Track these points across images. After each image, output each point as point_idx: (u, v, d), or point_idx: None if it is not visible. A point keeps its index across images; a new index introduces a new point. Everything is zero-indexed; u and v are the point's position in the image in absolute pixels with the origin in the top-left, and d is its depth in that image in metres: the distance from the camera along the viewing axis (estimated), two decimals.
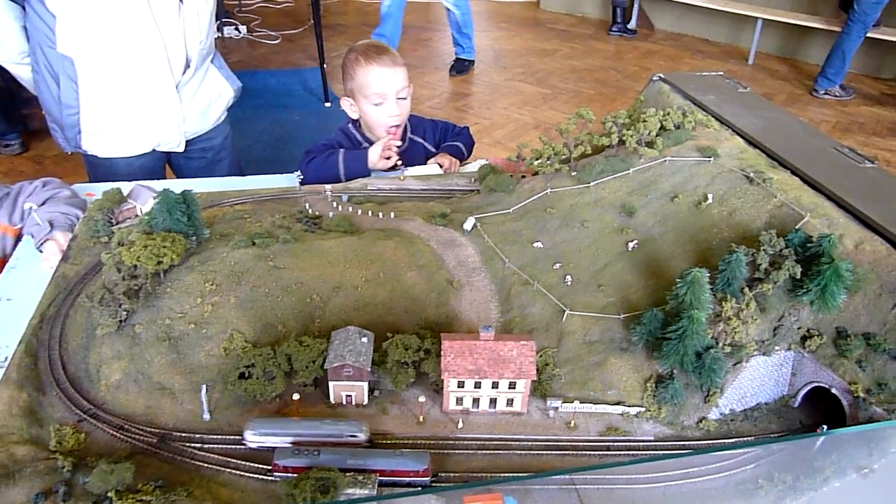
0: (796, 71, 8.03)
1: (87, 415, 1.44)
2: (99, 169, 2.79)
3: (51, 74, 2.61)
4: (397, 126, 2.67)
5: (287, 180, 2.51)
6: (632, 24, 9.33)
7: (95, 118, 2.67)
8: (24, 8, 2.49)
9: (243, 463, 1.35)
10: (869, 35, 6.86)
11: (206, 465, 1.35)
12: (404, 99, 2.64)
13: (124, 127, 2.71)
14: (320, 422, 1.39)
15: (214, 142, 3.11)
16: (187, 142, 2.94)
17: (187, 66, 2.74)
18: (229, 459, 1.36)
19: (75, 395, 1.48)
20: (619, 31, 8.97)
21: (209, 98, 2.91)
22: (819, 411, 1.56)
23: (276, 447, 1.33)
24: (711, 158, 1.86)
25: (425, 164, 2.69)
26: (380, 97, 2.59)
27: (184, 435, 1.41)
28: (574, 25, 9.82)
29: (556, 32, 9.46)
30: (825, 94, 7.17)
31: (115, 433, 1.41)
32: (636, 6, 9.34)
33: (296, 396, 1.45)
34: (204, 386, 1.43)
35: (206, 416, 1.44)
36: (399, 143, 2.59)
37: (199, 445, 1.39)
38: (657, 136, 1.93)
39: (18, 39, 2.57)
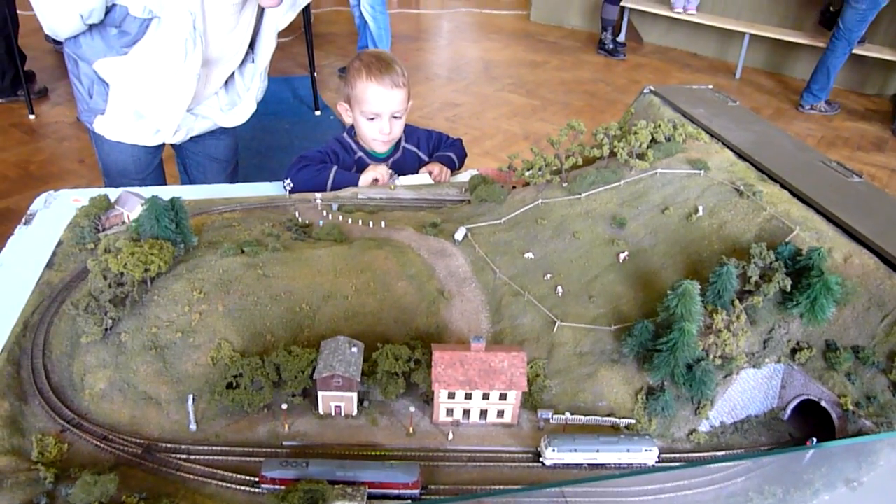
0: (782, 86, 8.13)
1: (70, 424, 1.42)
2: (103, 144, 2.81)
3: (82, 83, 2.65)
4: (386, 142, 2.67)
5: (276, 188, 2.49)
6: (621, 38, 9.39)
7: (116, 117, 2.70)
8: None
9: (230, 475, 1.33)
10: (853, 51, 6.96)
11: (192, 476, 1.33)
12: (399, 118, 2.64)
13: (141, 125, 2.72)
14: (617, 438, 1.41)
15: (229, 142, 3.15)
16: (207, 134, 2.97)
17: (231, 76, 2.82)
18: (216, 471, 1.33)
19: (58, 404, 1.46)
20: (606, 52, 8.98)
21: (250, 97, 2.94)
22: (808, 424, 1.56)
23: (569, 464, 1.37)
24: (702, 171, 1.87)
25: (418, 172, 2.68)
26: (374, 114, 2.59)
27: (169, 446, 1.39)
28: (563, 38, 9.89)
29: (546, 44, 9.53)
30: (811, 108, 7.26)
31: (99, 444, 1.38)
32: (625, 20, 9.42)
33: (284, 406, 1.43)
34: (190, 396, 1.41)
35: (193, 427, 1.42)
36: (392, 174, 2.58)
37: (185, 457, 1.37)
38: (648, 148, 1.93)
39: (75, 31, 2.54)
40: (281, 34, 2.88)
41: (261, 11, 2.70)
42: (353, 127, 2.74)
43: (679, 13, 8.49)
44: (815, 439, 1.44)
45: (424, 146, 2.81)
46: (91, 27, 2.45)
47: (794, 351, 1.53)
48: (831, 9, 7.11)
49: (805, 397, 1.52)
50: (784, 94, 7.82)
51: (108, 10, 2.36)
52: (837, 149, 6.50)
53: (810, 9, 7.76)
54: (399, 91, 2.59)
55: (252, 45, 2.80)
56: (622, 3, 8.82)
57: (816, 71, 7.10)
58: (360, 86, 2.60)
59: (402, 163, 2.74)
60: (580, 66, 8.67)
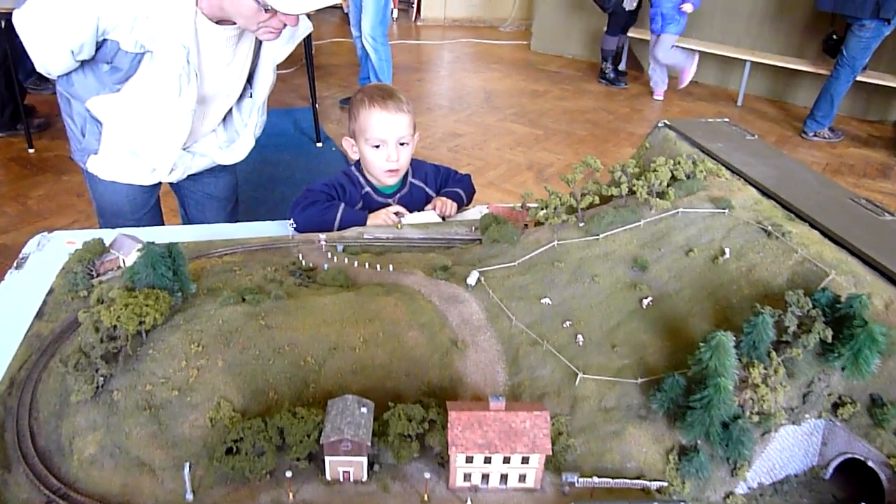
0: (785, 113, 8.12)
1: (56, 495, 1.30)
2: (97, 185, 2.74)
3: (74, 122, 2.58)
4: (395, 171, 2.59)
5: (278, 227, 2.41)
6: (622, 66, 9.41)
7: (110, 156, 2.62)
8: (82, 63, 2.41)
9: None
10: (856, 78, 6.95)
11: None
12: (406, 145, 2.57)
13: (136, 164, 2.64)
14: None
15: (229, 179, 3.08)
16: (205, 171, 2.90)
17: (229, 112, 2.76)
18: None
19: (44, 471, 1.35)
20: (607, 82, 9.01)
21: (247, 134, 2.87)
22: (851, 484, 1.45)
23: None
24: (726, 210, 1.78)
25: (424, 209, 2.61)
26: (379, 140, 2.52)
27: None
28: (564, 67, 9.92)
29: (547, 73, 9.55)
30: (814, 136, 7.23)
31: None
32: (625, 49, 9.44)
33: (288, 474, 1.32)
34: (187, 464, 1.30)
35: (189, 497, 1.31)
36: (400, 211, 2.50)
37: None
38: (668, 186, 1.85)
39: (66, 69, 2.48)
40: (282, 66, 2.82)
41: (258, 44, 2.64)
42: (359, 161, 2.67)
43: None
44: None
45: (432, 181, 2.74)
46: (82, 64, 2.38)
47: (835, 406, 1.43)
48: (835, 36, 7.12)
49: (849, 456, 1.42)
50: (787, 122, 7.80)
51: (99, 46, 2.29)
52: (843, 176, 6.45)
53: (812, 36, 7.77)
54: (403, 115, 2.53)
55: (250, 80, 2.73)
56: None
57: (820, 98, 7.08)
58: (363, 114, 2.54)
59: (410, 198, 2.66)
60: (582, 95, 8.67)
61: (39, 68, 2.40)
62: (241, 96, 2.74)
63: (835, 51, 7.05)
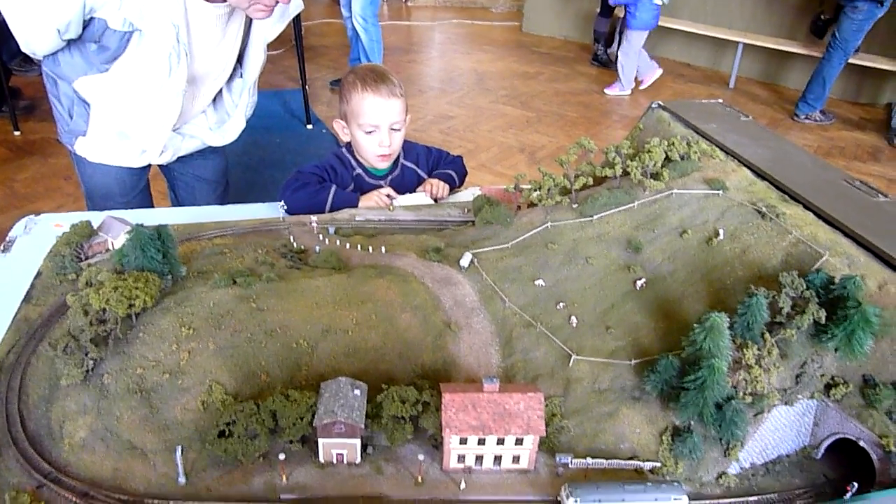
0: (777, 95, 8.10)
1: (47, 479, 1.29)
2: (85, 167, 2.69)
3: (61, 104, 2.53)
4: (387, 156, 2.56)
5: (269, 209, 2.38)
6: (613, 49, 9.36)
7: (98, 138, 2.57)
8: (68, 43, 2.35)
9: None
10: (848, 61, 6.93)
11: None
12: (398, 130, 2.54)
13: (125, 146, 2.60)
14: (644, 485, 1.30)
15: (219, 162, 3.04)
16: (195, 153, 2.85)
17: (219, 93, 2.71)
18: None
19: (35, 456, 1.33)
20: (599, 64, 8.97)
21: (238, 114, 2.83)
22: (842, 463, 1.46)
23: None
24: (720, 191, 1.78)
25: (416, 190, 2.58)
26: (372, 126, 2.49)
27: (156, 502, 1.27)
28: (557, 48, 9.85)
29: (539, 55, 9.48)
30: (806, 118, 7.22)
31: (79, 501, 1.26)
32: (618, 31, 9.38)
33: (282, 456, 1.31)
34: (179, 447, 1.29)
35: (182, 480, 1.30)
36: (392, 195, 2.47)
37: None
38: (662, 167, 1.84)
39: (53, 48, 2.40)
40: (271, 46, 2.78)
41: (248, 23, 2.59)
42: (350, 143, 2.64)
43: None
44: (855, 485, 1.33)
45: (424, 163, 2.71)
46: (69, 43, 2.33)
47: (828, 386, 1.43)
48: (822, 17, 7.10)
49: (841, 436, 1.42)
50: (779, 104, 7.80)
51: (87, 25, 2.24)
52: (834, 159, 6.46)
53: (804, 18, 7.74)
54: (396, 101, 2.50)
55: (240, 60, 2.68)
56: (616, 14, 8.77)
57: (812, 81, 7.07)
58: (355, 98, 2.50)
59: (401, 180, 2.64)
60: (574, 77, 8.62)
61: (24, 48, 2.35)
62: (232, 77, 2.70)
63: (823, 31, 7.03)
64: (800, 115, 7.23)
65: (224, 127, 2.79)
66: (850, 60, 6.97)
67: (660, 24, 8.71)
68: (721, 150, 1.99)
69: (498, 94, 7.78)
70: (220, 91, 2.72)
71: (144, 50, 2.30)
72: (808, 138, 6.92)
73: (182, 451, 1.29)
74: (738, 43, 8.17)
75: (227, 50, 2.56)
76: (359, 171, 2.60)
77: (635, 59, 7.76)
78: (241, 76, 2.71)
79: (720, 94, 7.99)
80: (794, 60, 8.06)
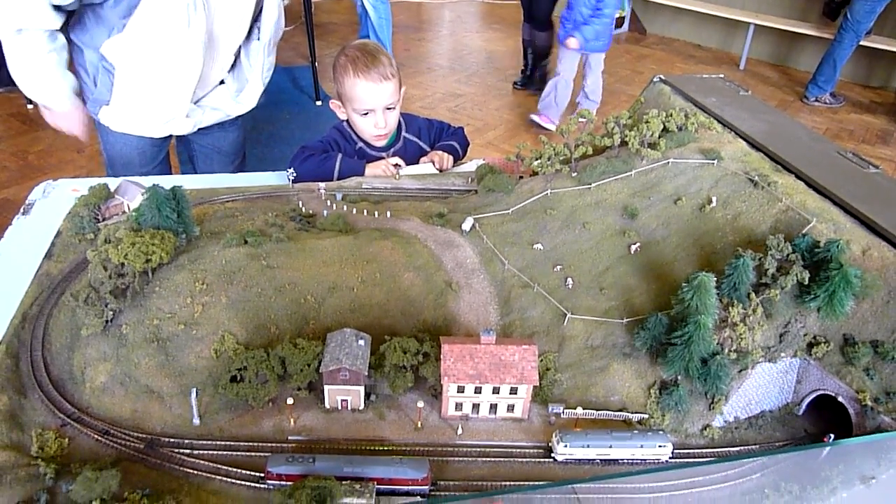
0: (787, 77, 8.07)
1: (70, 419, 1.38)
2: (108, 136, 2.77)
3: (87, 72, 2.59)
4: (384, 135, 2.62)
5: (278, 178, 2.45)
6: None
7: (121, 107, 2.64)
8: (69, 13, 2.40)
9: (234, 470, 1.30)
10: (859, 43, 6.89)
11: (195, 472, 1.30)
12: (392, 109, 2.59)
13: (146, 116, 2.68)
14: (630, 434, 1.38)
15: (237, 135, 3.12)
16: (214, 126, 2.92)
17: (237, 56, 2.75)
18: (220, 466, 1.30)
19: (58, 397, 1.42)
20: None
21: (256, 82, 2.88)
22: (823, 419, 1.53)
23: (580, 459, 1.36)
24: (715, 161, 1.83)
25: (419, 162, 2.64)
26: (366, 109, 2.54)
27: (172, 440, 1.36)
28: None
29: None
30: (815, 101, 7.20)
31: (100, 438, 1.35)
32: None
33: (290, 401, 1.40)
34: (194, 389, 1.38)
35: (196, 421, 1.39)
36: (399, 164, 2.53)
37: (188, 451, 1.34)
38: (660, 137, 1.89)
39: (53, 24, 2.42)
40: None
41: None
42: (349, 121, 2.69)
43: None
44: (832, 435, 1.41)
45: (426, 136, 2.77)
46: (84, 7, 2.38)
47: (810, 345, 1.50)
48: None
49: (821, 392, 1.49)
50: (789, 86, 7.76)
51: None
52: (842, 141, 6.45)
53: None
54: (389, 83, 2.53)
55: (256, 21, 2.73)
56: None
57: (822, 63, 7.04)
58: (348, 83, 2.54)
59: (404, 153, 2.69)
60: None
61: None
62: (249, 38, 2.74)
63: (835, 14, 6.97)
64: (810, 97, 7.20)
65: (243, 94, 2.84)
66: (862, 43, 6.93)
67: (671, 4, 8.68)
68: (719, 122, 2.04)
69: (507, 73, 7.79)
70: (238, 57, 2.77)
71: (162, 1, 2.34)
72: (817, 121, 6.91)
73: (197, 393, 1.38)
74: (749, 24, 8.12)
75: (244, 6, 2.60)
76: (361, 144, 2.66)
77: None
78: (258, 38, 2.75)
79: (730, 75, 7.94)
80: (806, 42, 8.01)
